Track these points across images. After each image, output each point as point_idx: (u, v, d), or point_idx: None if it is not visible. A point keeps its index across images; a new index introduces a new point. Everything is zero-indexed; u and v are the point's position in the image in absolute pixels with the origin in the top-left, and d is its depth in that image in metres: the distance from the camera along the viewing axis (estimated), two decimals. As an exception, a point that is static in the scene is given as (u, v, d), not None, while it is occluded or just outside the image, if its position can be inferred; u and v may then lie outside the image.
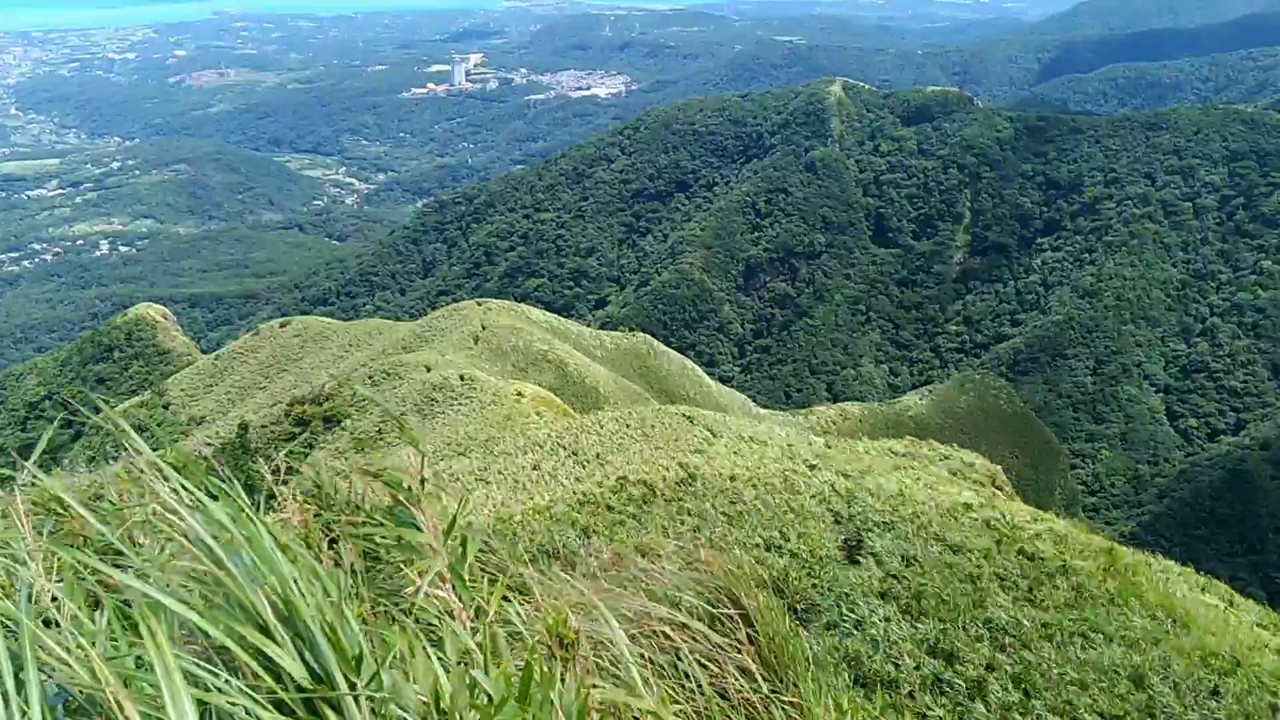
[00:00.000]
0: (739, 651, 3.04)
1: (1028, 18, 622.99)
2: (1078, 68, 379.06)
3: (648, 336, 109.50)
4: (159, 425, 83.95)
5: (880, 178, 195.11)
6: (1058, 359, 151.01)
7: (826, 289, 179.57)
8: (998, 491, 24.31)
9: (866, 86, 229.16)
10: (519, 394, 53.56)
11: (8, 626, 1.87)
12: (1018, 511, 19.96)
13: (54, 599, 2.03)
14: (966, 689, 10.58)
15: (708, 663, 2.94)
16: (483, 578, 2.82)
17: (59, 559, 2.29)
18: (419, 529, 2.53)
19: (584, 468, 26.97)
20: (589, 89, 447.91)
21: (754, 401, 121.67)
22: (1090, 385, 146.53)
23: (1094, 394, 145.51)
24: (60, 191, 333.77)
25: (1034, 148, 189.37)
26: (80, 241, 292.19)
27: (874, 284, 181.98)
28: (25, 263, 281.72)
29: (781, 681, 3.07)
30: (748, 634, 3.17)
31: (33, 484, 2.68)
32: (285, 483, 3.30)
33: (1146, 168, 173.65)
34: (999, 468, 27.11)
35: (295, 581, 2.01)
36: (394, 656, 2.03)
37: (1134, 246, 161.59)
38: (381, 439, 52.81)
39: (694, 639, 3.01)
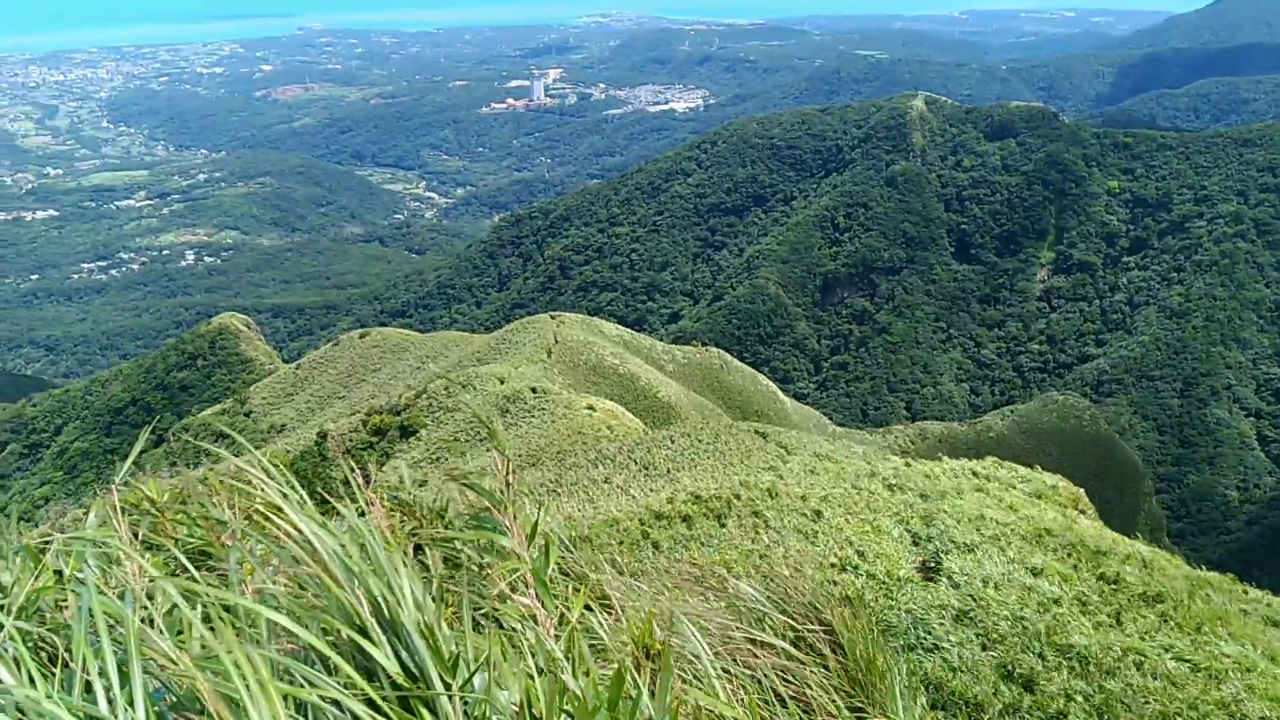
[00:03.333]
0: (825, 669, 3.02)
1: (1116, 32, 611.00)
2: (1167, 83, 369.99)
3: (721, 352, 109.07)
4: (240, 433, 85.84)
5: (962, 193, 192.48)
6: (1143, 380, 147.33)
7: (906, 305, 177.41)
8: (1080, 515, 23.65)
9: (949, 101, 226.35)
10: (590, 407, 53.66)
11: (111, 624, 1.89)
12: (1101, 536, 19.38)
13: (150, 597, 2.07)
14: (1045, 717, 10.25)
15: (791, 679, 2.94)
16: (564, 585, 2.85)
17: (153, 558, 2.35)
18: (503, 533, 2.58)
19: (655, 482, 26.86)
20: (666, 104, 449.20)
21: (829, 419, 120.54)
22: (1177, 408, 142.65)
23: (1181, 417, 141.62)
24: (148, 202, 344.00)
25: (1121, 164, 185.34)
26: (166, 251, 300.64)
27: (955, 301, 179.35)
28: (113, 271, 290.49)
29: (868, 700, 3.06)
30: (833, 652, 3.06)
31: (125, 485, 2.75)
32: (363, 489, 3.27)
33: (1239, 185, 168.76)
34: (1081, 491, 26.36)
35: (392, 582, 2.03)
36: (486, 660, 2.05)
37: (1225, 266, 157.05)
38: (456, 448, 53.26)
39: (777, 655, 3.04)
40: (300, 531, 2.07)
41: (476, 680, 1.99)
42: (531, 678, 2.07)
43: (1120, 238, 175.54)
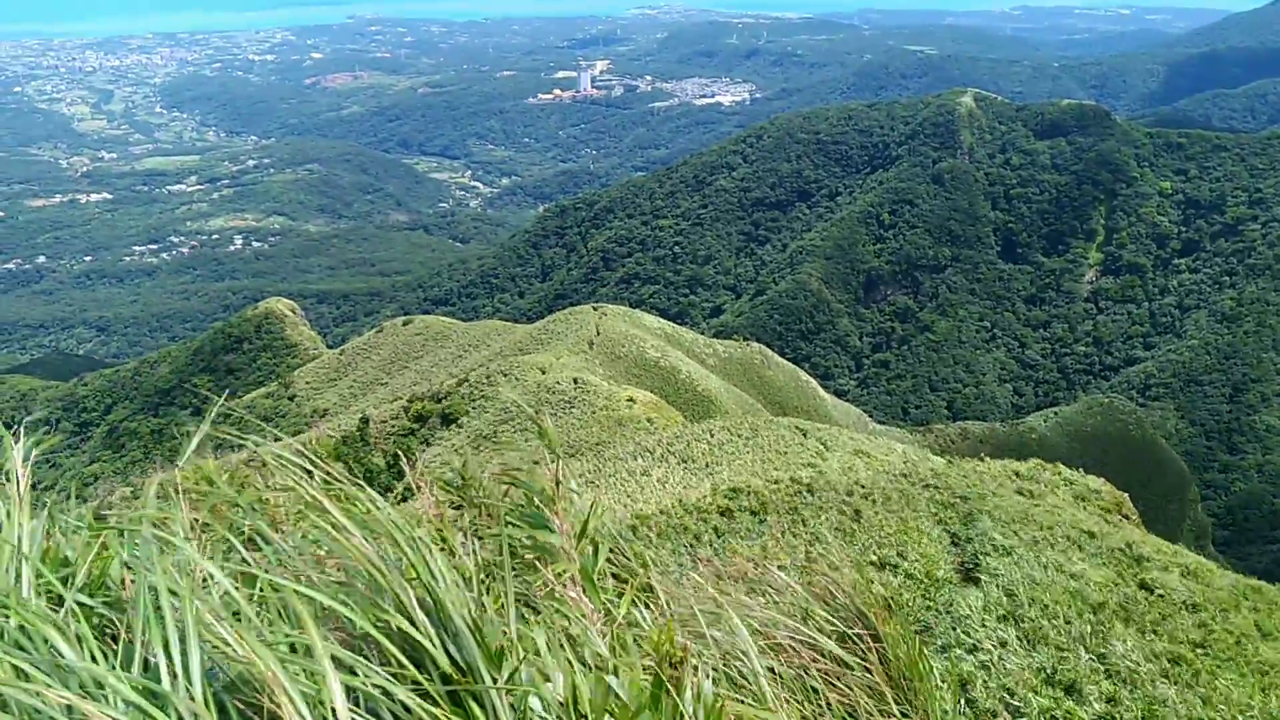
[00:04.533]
0: (868, 671, 3.01)
1: (1172, 29, 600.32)
2: (1224, 82, 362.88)
3: (762, 347, 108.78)
4: (283, 417, 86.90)
5: (1010, 191, 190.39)
6: (1192, 385, 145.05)
7: (950, 304, 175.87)
8: (1124, 520, 23.39)
9: (999, 98, 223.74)
10: (630, 399, 53.76)
11: (171, 603, 1.91)
12: (1145, 542, 19.16)
13: (209, 576, 2.08)
14: (1086, 724, 10.16)
15: (835, 680, 2.94)
16: (610, 581, 2.85)
17: (210, 538, 2.38)
18: (552, 530, 2.61)
19: (694, 476, 26.88)
20: (713, 97, 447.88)
21: (870, 417, 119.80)
22: (1225, 413, 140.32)
23: (1229, 423, 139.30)
24: (199, 187, 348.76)
25: (1174, 165, 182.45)
26: (215, 236, 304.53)
27: (1000, 300, 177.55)
28: (164, 255, 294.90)
29: (911, 704, 3.05)
30: (877, 654, 3.07)
31: (181, 466, 2.76)
32: (410, 475, 3.33)
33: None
34: (1125, 495, 26.05)
35: (441, 573, 2.05)
36: (533, 653, 2.06)
37: (1278, 270, 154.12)
38: (497, 438, 53.58)
39: (821, 655, 3.04)
40: (350, 519, 2.07)
41: (525, 673, 1.99)
42: (577, 673, 2.06)
43: (1171, 239, 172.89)
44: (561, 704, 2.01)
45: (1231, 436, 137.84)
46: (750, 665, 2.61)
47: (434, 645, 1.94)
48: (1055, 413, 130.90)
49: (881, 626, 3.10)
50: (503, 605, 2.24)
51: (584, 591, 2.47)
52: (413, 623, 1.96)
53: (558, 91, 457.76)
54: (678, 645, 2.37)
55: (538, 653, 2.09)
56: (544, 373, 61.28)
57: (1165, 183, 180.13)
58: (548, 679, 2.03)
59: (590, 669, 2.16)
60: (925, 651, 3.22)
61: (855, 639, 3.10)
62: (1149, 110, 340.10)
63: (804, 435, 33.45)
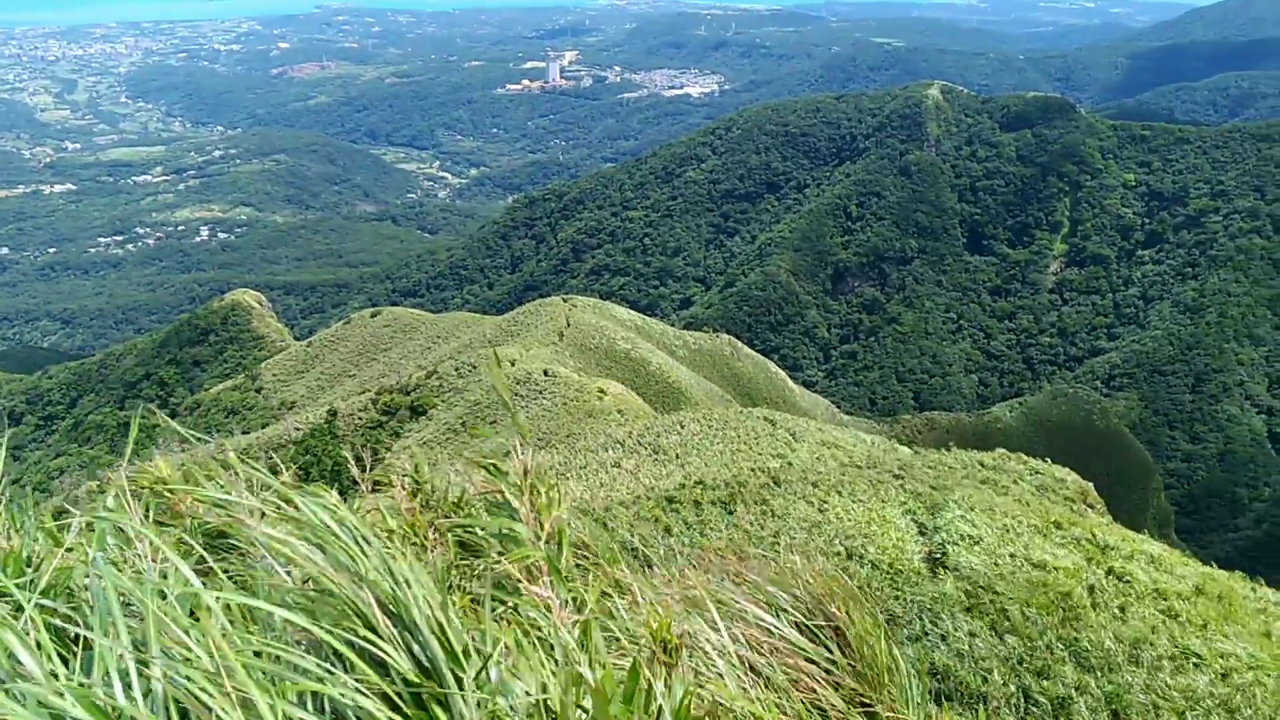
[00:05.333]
0: (833, 663, 3.01)
1: (1135, 23, 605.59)
2: (1186, 76, 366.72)
3: (731, 338, 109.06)
4: (250, 409, 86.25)
5: (976, 184, 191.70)
6: (1155, 375, 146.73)
7: (917, 296, 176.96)
8: (1089, 509, 23.68)
9: (965, 91, 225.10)
10: (601, 391, 53.78)
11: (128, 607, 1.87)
12: (1109, 530, 19.41)
13: (164, 576, 2.04)
14: (1052, 707, 10.32)
15: (800, 674, 2.94)
16: (580, 572, 2.84)
17: (167, 539, 2.29)
18: (518, 520, 2.61)
19: (665, 467, 26.95)
20: (682, 88, 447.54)
21: (838, 408, 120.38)
22: (1188, 403, 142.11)
23: (1192, 413, 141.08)
24: (164, 178, 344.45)
25: (1137, 157, 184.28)
26: (181, 227, 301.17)
27: (966, 292, 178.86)
28: (129, 246, 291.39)
29: (876, 696, 3.05)
30: (840, 646, 3.10)
31: (134, 465, 2.72)
32: (375, 469, 3.32)
33: (1256, 180, 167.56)
34: (1090, 485, 26.36)
35: (402, 576, 2.01)
36: (500, 652, 2.03)
37: (1240, 262, 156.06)
38: (468, 429, 53.44)
39: (787, 645, 3.03)
40: (309, 522, 2.06)
41: (493, 673, 1.97)
42: (547, 669, 2.05)
43: (1135, 231, 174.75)
44: (533, 701, 2.00)
45: (1194, 426, 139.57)
46: (721, 655, 2.62)
47: (398, 649, 1.92)
48: (1020, 403, 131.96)
49: (843, 619, 3.13)
50: (475, 600, 2.26)
51: (552, 583, 2.45)
52: (372, 628, 1.94)
53: (526, 82, 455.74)
54: (674, 632, 2.37)
55: (505, 651, 2.07)
56: (514, 364, 61.17)
57: (1129, 175, 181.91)
58: (516, 677, 2.01)
59: (561, 664, 2.13)
60: (891, 641, 3.25)
61: (817, 631, 3.13)
62: (1113, 102, 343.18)
63: (773, 426, 33.61)
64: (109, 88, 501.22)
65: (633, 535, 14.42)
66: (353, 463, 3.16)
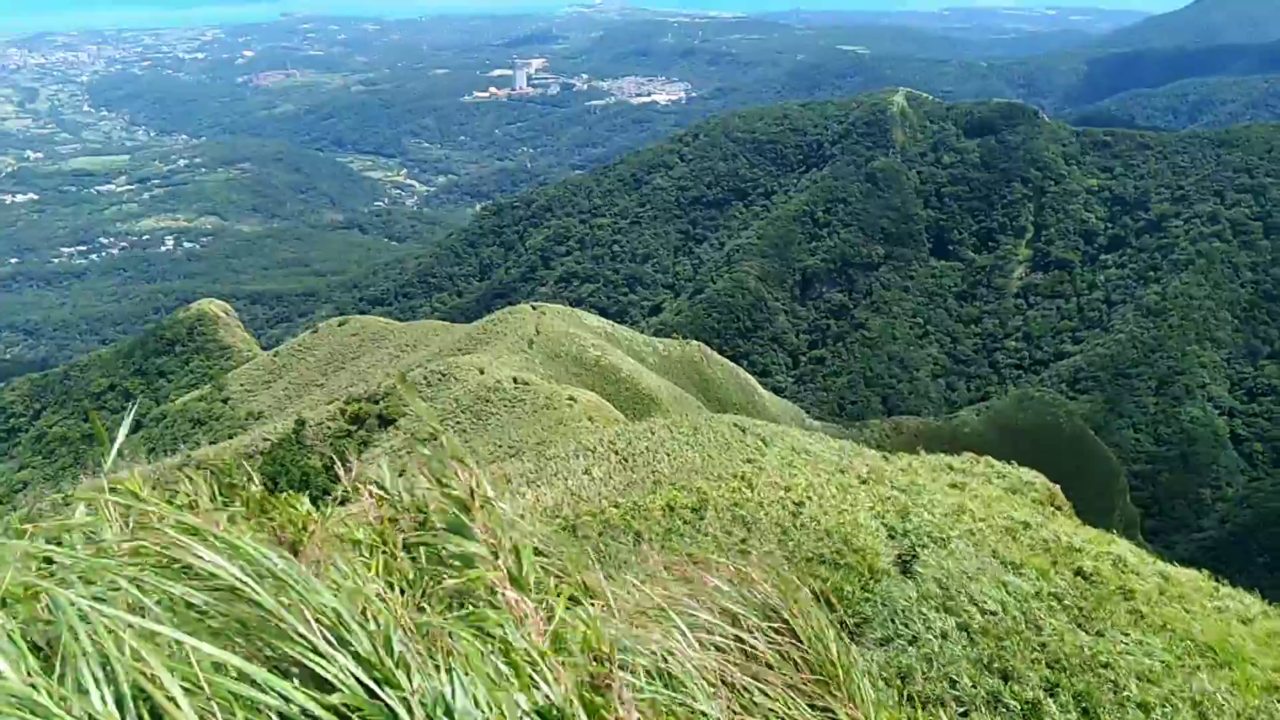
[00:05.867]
0: (792, 667, 3.01)
1: (1095, 31, 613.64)
2: (1146, 82, 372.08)
3: (701, 345, 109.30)
4: (217, 420, 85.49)
5: (942, 190, 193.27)
6: (1119, 378, 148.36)
7: (884, 301, 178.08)
8: (1057, 511, 23.88)
9: (930, 97, 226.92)
10: (571, 399, 53.71)
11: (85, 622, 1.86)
12: (1076, 532, 19.60)
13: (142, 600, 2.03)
14: (1022, 710, 10.39)
15: (757, 681, 2.92)
16: (550, 580, 2.83)
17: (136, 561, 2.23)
18: (469, 537, 2.60)
19: (635, 474, 26.93)
20: (649, 95, 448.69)
21: (807, 413, 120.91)
22: (1152, 406, 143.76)
23: (1155, 415, 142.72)
24: (129, 187, 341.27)
25: (1100, 162, 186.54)
26: (146, 237, 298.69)
27: (933, 297, 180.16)
28: (93, 256, 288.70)
29: (834, 697, 3.05)
30: (794, 651, 3.11)
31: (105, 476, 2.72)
32: (344, 477, 3.30)
33: (1216, 185, 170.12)
34: (1058, 487, 26.60)
35: (348, 593, 2.03)
36: (447, 666, 2.02)
37: (1201, 265, 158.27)
38: (436, 440, 53.15)
39: (744, 653, 3.03)
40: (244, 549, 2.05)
41: (431, 689, 1.96)
42: (496, 682, 2.05)
43: (1098, 236, 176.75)
44: (479, 716, 1.99)
45: (1158, 428, 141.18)
46: (682, 663, 2.62)
47: (339, 667, 1.91)
48: (987, 406, 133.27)
49: (795, 623, 3.14)
50: (428, 616, 2.25)
51: (508, 595, 2.44)
52: (314, 648, 1.92)
53: (494, 89, 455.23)
54: (604, 643, 2.38)
55: (450, 668, 2.05)
56: (483, 373, 60.96)
57: (1092, 180, 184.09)
58: (464, 691, 2.00)
59: (507, 678, 2.13)
60: (847, 646, 3.26)
61: (778, 635, 3.14)
62: (1074, 109, 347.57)
63: (743, 432, 33.66)
64: (71, 96, 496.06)
65: (600, 543, 14.42)
66: (340, 470, 3.15)
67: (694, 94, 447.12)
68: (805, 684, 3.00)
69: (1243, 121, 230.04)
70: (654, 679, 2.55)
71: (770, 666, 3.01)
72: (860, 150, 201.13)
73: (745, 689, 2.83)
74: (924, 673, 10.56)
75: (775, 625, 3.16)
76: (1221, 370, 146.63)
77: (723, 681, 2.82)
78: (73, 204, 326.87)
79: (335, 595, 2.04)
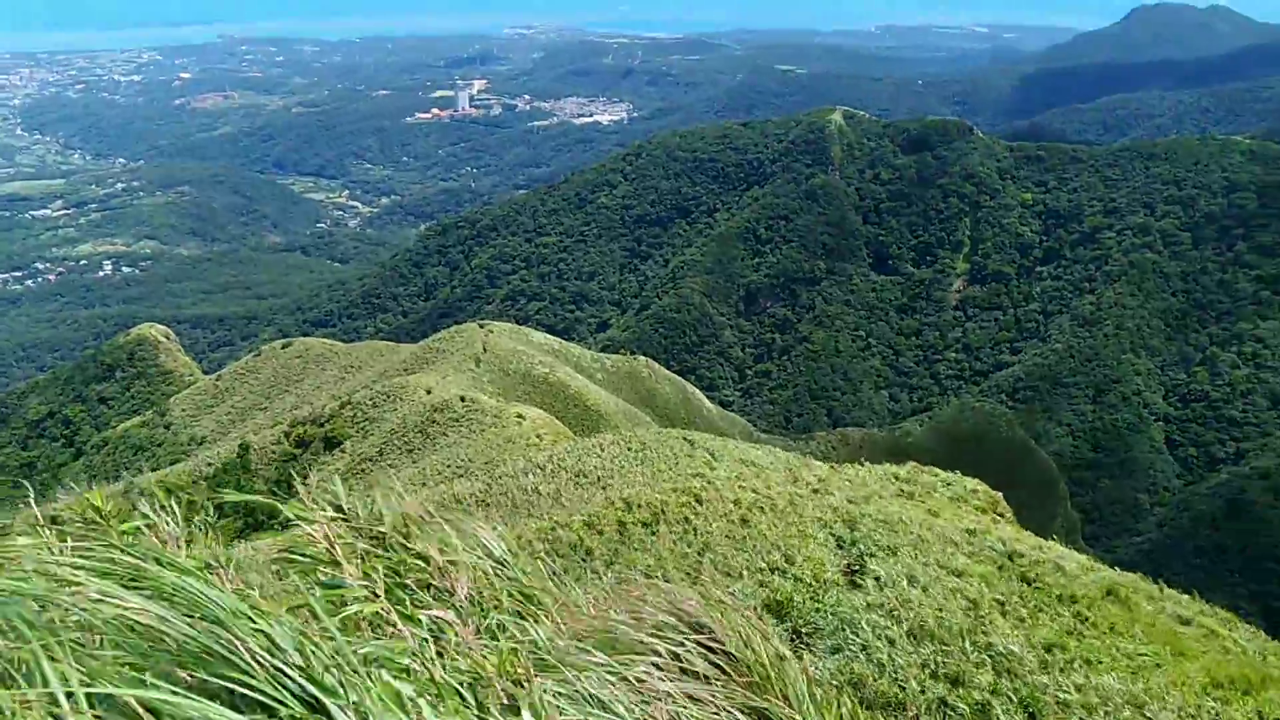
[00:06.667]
0: (729, 684, 3.09)
1: (1026, 48, 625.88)
2: (1077, 98, 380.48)
3: (648, 360, 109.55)
4: (160, 446, 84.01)
5: (880, 205, 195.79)
6: (1057, 387, 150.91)
7: (827, 315, 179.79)
8: (999, 518, 24.32)
9: (866, 115, 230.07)
10: (520, 416, 53.58)
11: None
12: (1019, 538, 19.99)
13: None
14: (971, 713, 10.60)
15: (688, 692, 2.93)
16: (503, 597, 2.82)
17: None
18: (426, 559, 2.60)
19: (586, 490, 26.99)
20: (591, 116, 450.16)
21: (754, 426, 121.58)
22: (1089, 414, 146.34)
23: (1093, 422, 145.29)
24: (64, 212, 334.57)
25: (1034, 177, 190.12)
26: (83, 262, 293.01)
27: (874, 310, 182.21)
28: (29, 282, 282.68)
29: (763, 696, 3.13)
30: (729, 666, 3.22)
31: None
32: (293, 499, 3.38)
33: (1146, 198, 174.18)
34: (1000, 495, 27.09)
35: (271, 619, 2.03)
36: (369, 696, 2.02)
37: (1133, 276, 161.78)
38: (383, 459, 52.79)
39: (679, 672, 3.02)
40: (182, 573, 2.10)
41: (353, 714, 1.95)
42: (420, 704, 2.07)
43: (1033, 248, 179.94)
44: None
45: (1096, 435, 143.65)
46: (611, 690, 2.65)
47: (271, 689, 1.91)
48: (930, 417, 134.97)
49: (726, 638, 3.27)
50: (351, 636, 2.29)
51: (460, 615, 2.50)
52: (245, 670, 1.93)
53: (436, 110, 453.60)
54: (520, 665, 2.41)
55: (369, 694, 2.05)
56: (430, 392, 60.62)
57: (1026, 194, 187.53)
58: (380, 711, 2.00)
59: (426, 704, 2.13)
60: (782, 658, 3.39)
61: (715, 653, 3.25)
62: (1008, 124, 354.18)
63: (692, 446, 33.87)
64: (3, 120, 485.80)
65: (547, 563, 14.46)
66: (299, 484, 3.22)
67: (635, 114, 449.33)
68: (737, 691, 3.11)
69: (1170, 135, 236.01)
70: (583, 702, 2.55)
71: (707, 679, 3.09)
72: (800, 168, 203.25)
73: (675, 698, 2.84)
74: (874, 679, 10.76)
75: (704, 639, 3.27)
76: (1155, 377, 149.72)
77: (656, 696, 2.83)
78: (6, 229, 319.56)
79: (272, 623, 2.05)
